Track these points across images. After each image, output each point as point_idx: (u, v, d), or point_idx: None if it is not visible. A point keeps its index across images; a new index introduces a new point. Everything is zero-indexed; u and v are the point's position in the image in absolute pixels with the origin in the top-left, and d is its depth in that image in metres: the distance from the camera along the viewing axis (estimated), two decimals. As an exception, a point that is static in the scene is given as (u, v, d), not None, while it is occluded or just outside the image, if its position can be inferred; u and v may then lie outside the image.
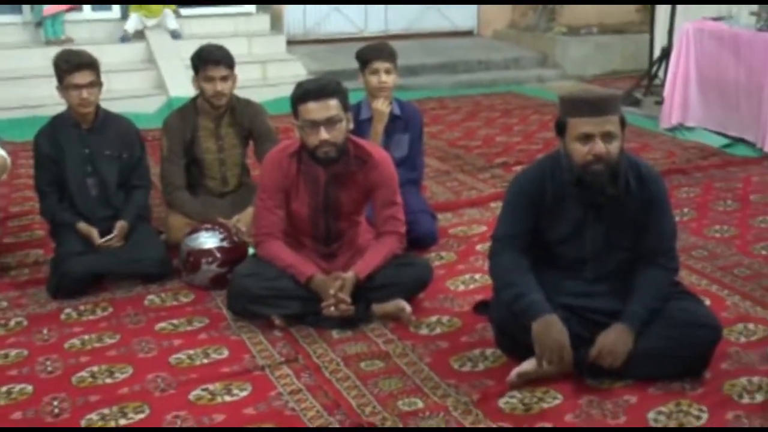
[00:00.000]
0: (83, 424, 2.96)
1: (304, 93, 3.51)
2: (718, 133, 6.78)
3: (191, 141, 4.50)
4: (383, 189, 3.69)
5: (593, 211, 3.17)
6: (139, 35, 8.92)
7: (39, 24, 8.71)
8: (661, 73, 7.96)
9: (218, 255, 4.03)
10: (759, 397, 3.06)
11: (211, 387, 3.17)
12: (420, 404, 3.03)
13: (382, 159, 3.71)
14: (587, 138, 3.02)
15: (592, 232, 3.20)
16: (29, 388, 3.21)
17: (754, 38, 6.39)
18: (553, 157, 3.23)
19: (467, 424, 2.91)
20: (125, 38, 8.81)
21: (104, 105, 4.28)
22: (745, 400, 3.05)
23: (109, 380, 3.25)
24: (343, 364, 3.32)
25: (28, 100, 7.78)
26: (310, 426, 2.92)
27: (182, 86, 7.47)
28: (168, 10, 8.96)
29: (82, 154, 4.18)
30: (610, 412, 2.98)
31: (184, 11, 9.41)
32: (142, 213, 4.33)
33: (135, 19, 8.86)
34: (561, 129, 3.11)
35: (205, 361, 3.39)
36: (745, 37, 6.49)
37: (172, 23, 8.94)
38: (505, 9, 11.06)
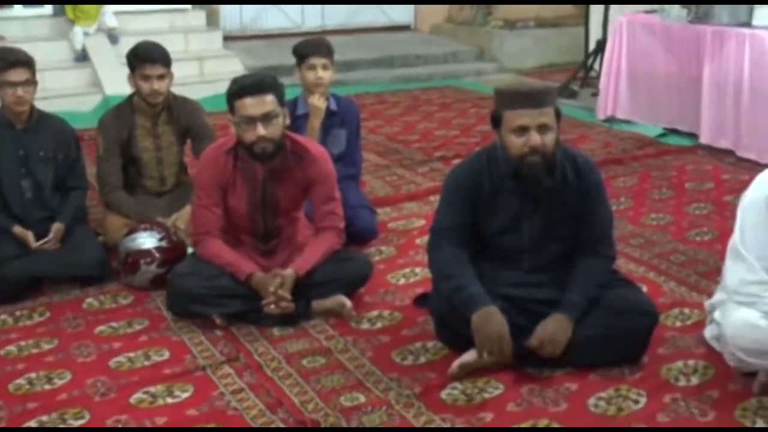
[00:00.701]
0: None
1: (240, 89, 3.49)
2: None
3: (128, 140, 4.45)
4: (321, 185, 3.69)
5: (530, 203, 3.21)
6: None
7: (-31, 22, 8.52)
8: (597, 66, 8.06)
9: (157, 255, 3.98)
10: (695, 380, 3.13)
11: (152, 389, 3.13)
12: (362, 399, 3.04)
13: (319, 154, 3.70)
14: (523, 130, 3.05)
15: (530, 223, 3.23)
16: (-36, 396, 3.14)
17: (685, 30, 6.49)
18: (490, 149, 3.26)
19: (409, 417, 2.92)
20: (80, 58, 8.48)
21: (38, 104, 4.20)
22: (682, 383, 3.12)
23: (47, 386, 3.18)
24: (284, 362, 3.31)
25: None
26: (253, 426, 2.91)
27: (118, 84, 7.35)
28: (106, 8, 8.74)
29: (16, 155, 4.10)
30: (551, 399, 3.01)
31: (119, 8, 9.26)
32: (79, 214, 4.26)
33: (79, 33, 8.50)
34: (497, 122, 3.14)
35: (146, 363, 3.35)
36: (676, 30, 6.59)
37: (111, 20, 8.72)
38: (442, 4, 11.10)
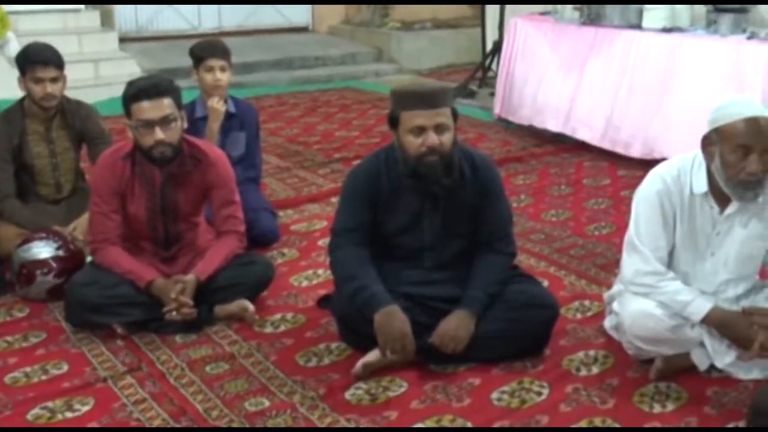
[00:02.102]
0: None
1: (136, 92, 3.43)
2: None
3: (19, 146, 4.30)
4: (220, 188, 3.65)
5: (429, 202, 3.24)
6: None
7: None
8: (495, 66, 8.18)
9: (54, 265, 3.87)
10: (595, 369, 3.21)
11: (50, 404, 3.04)
12: (267, 403, 3.01)
13: (217, 158, 3.67)
14: (420, 130, 3.08)
15: (429, 221, 3.26)
16: None
17: (576, 32, 6.60)
18: (388, 149, 3.28)
19: (314, 419, 2.91)
20: None
21: None
22: (583, 372, 3.19)
23: (-63, 406, 3.07)
24: (188, 369, 3.26)
25: None
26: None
27: (7, 87, 7.11)
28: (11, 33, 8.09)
29: None
30: (454, 395, 3.05)
31: (8, 7, 8.96)
32: (-32, 225, 4.12)
33: None
34: (394, 122, 3.16)
35: (44, 377, 3.24)
36: (566, 31, 6.70)
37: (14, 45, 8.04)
38: (339, 5, 11.12)
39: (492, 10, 8.59)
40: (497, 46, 8.05)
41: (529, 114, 6.93)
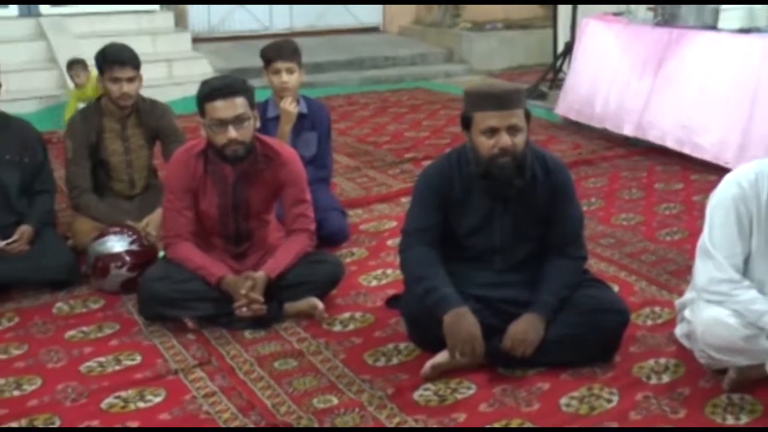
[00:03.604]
0: (-11, 439, 2.89)
1: (210, 91, 3.47)
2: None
3: (96, 143, 4.41)
4: (292, 187, 3.68)
5: (501, 203, 3.22)
6: (41, 36, 8.68)
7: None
8: (565, 67, 8.10)
9: (127, 259, 3.95)
10: (666, 378, 3.16)
11: (123, 394, 3.11)
12: (335, 401, 3.03)
13: (289, 157, 3.69)
14: (493, 131, 3.06)
15: (501, 223, 3.24)
16: (-69, 405, 3.10)
17: (650, 33, 6.50)
18: (460, 150, 3.27)
19: (382, 419, 2.92)
20: None
21: (3, 107, 4.16)
22: (653, 381, 3.14)
23: (17, 393, 3.14)
24: (256, 365, 3.29)
25: None
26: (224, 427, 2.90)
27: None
28: None
29: (-21, 159, 4.06)
30: (523, 400, 3.03)
31: (88, 8, 9.19)
32: (46, 218, 4.21)
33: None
34: (467, 123, 3.14)
35: (117, 368, 3.32)
36: (641, 32, 6.59)
37: None
38: (410, 5, 11.12)
39: (564, 11, 8.51)
40: (569, 47, 7.97)
41: (601, 116, 6.83)
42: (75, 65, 6.89)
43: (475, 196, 3.21)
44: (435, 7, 10.93)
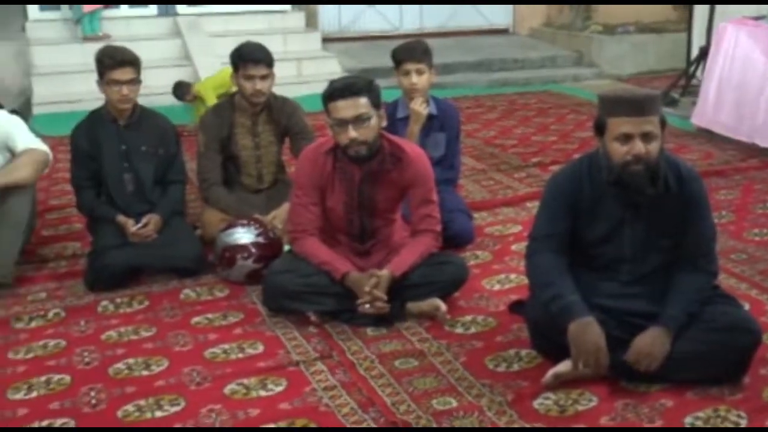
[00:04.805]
0: (119, 415, 3.00)
1: (332, 91, 3.51)
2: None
3: (228, 138, 4.53)
4: (419, 187, 3.68)
5: (631, 212, 3.15)
6: (177, 35, 8.98)
7: (77, 21, 8.80)
8: (699, 73, 7.85)
9: (254, 251, 4.04)
10: (799, 403, 3.02)
11: (246, 381, 3.19)
12: (454, 403, 3.02)
13: (417, 156, 3.69)
14: (627, 138, 2.99)
15: (631, 232, 3.17)
16: (67, 378, 3.25)
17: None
18: (591, 156, 3.21)
19: (501, 425, 2.89)
20: None
21: (141, 101, 4.31)
22: (785, 406, 3.00)
23: (145, 372, 3.28)
24: (377, 362, 3.32)
25: (66, 95, 7.86)
26: (345, 423, 2.93)
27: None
28: None
29: (119, 149, 4.22)
30: (646, 416, 2.95)
31: (222, 8, 9.46)
32: (177, 208, 4.36)
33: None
34: (600, 128, 3.08)
35: (240, 355, 3.40)
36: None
37: None
38: (541, 6, 11.02)
39: (700, 13, 8.22)
40: (703, 52, 7.70)
41: (749, 130, 6.49)
42: (180, 87, 7.27)
43: (606, 204, 3.15)
44: (566, 8, 10.77)
